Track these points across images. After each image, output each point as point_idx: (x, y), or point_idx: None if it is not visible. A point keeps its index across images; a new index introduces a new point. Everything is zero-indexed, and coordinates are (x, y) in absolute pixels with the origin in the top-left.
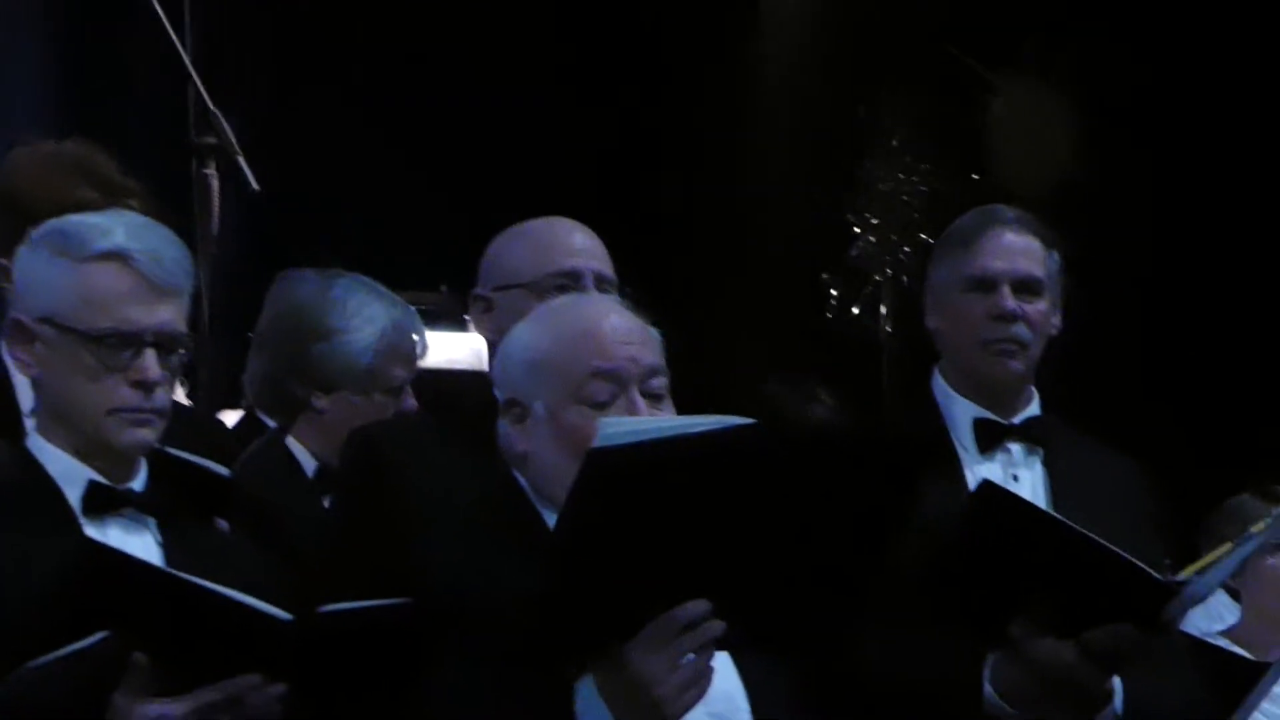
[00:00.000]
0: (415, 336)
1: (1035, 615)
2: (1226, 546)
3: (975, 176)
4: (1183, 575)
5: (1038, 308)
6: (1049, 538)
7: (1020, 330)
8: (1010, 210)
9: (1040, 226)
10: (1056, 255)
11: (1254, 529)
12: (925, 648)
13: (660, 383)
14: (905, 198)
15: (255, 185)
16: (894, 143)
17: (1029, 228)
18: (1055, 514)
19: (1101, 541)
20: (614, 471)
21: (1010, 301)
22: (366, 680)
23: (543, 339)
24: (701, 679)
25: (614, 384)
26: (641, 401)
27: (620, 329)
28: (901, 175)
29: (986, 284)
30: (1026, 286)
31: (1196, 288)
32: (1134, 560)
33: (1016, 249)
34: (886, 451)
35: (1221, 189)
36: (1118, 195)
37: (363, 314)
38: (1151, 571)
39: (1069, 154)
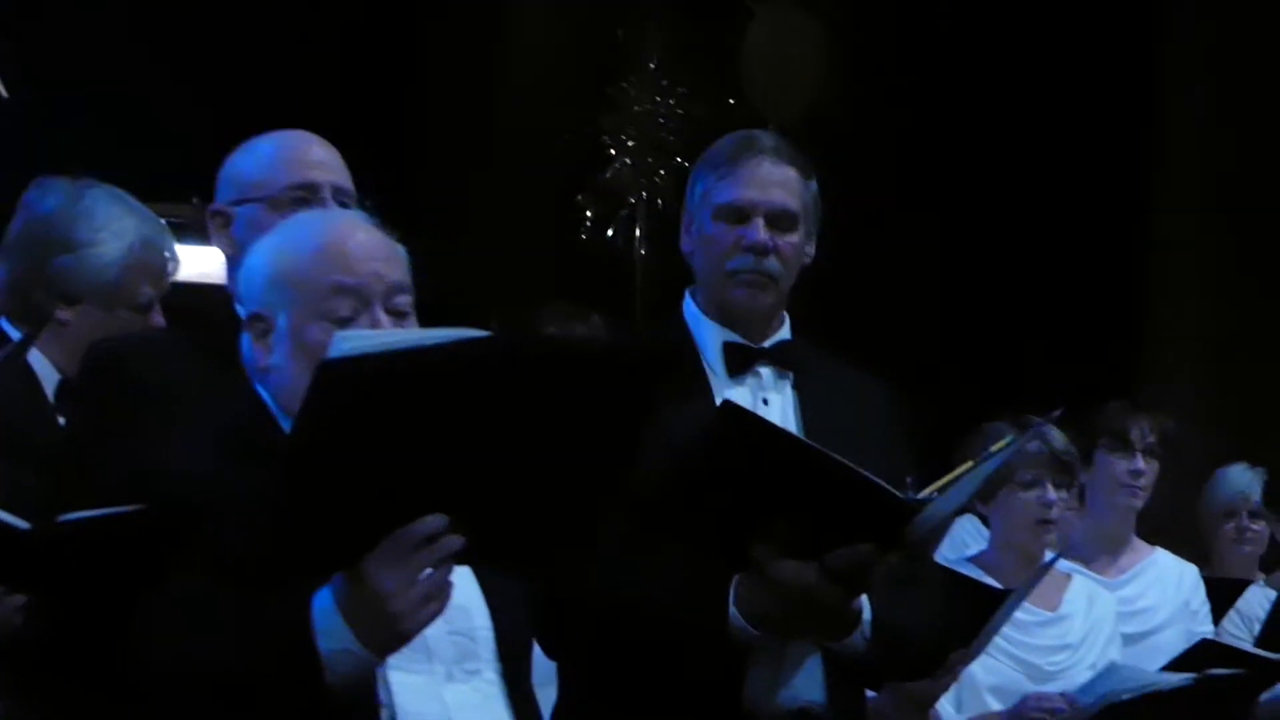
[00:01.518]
0: (166, 254)
1: (778, 537)
2: (967, 465)
3: (731, 101)
4: (924, 493)
5: (790, 240)
6: (789, 458)
7: (771, 264)
8: (771, 138)
9: (799, 155)
10: (814, 185)
11: (994, 448)
12: (669, 569)
13: (405, 300)
14: (661, 120)
15: (4, 93)
16: (651, 65)
17: (787, 157)
18: (795, 434)
19: (842, 460)
20: (345, 383)
21: (763, 234)
22: (107, 589)
23: (286, 253)
24: (440, 593)
25: (357, 300)
26: (385, 318)
27: (365, 245)
28: (658, 98)
29: (740, 214)
30: (782, 219)
31: (949, 210)
32: (874, 479)
33: (774, 180)
34: (629, 365)
35: (974, 114)
36: (870, 120)
37: (111, 227)
38: (892, 490)
39: (822, 79)
